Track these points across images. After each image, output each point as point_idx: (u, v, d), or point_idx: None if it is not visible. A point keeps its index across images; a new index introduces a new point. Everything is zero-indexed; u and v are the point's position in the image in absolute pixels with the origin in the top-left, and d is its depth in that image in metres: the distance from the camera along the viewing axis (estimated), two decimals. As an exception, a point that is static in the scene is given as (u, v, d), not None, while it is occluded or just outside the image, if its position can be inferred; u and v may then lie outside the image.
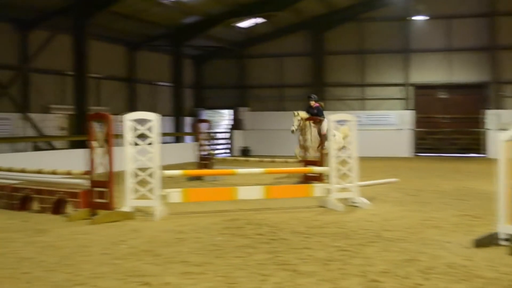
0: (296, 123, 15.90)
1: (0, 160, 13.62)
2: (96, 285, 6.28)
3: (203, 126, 17.47)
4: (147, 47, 28.24)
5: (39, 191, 11.22)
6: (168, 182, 10.93)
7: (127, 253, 7.69)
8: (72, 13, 20.73)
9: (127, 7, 21.64)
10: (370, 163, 21.15)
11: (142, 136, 10.53)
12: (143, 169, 10.42)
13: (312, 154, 15.58)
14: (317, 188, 11.49)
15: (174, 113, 28.57)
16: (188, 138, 28.54)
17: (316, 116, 16.29)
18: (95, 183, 10.32)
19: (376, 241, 8.27)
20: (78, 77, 21.07)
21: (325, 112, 16.52)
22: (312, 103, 16.69)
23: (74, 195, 10.54)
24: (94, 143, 10.29)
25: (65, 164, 13.36)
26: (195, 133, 18.00)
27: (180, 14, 24.98)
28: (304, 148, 15.64)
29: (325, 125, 16.02)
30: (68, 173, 11.14)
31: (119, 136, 10.62)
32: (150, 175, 10.39)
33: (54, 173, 11.58)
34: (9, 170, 12.19)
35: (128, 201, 10.36)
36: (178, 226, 9.61)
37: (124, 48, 27.19)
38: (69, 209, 10.66)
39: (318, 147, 15.81)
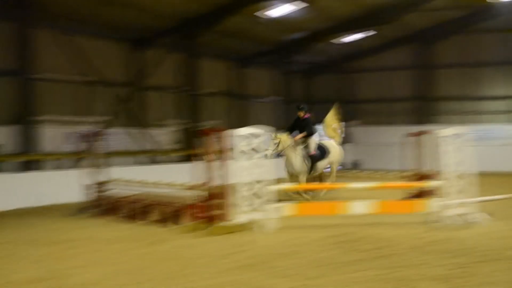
0: (272, 147, 14.21)
1: (117, 173, 14.11)
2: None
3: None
4: (254, 63, 28.71)
5: (156, 203, 11.67)
6: (278, 195, 11.05)
7: (243, 264, 7.83)
8: (182, 32, 21.65)
9: (235, 25, 22.11)
10: (482, 178, 20.37)
11: (253, 150, 10.74)
12: (255, 182, 10.60)
13: (301, 179, 14.70)
14: (431, 203, 11.24)
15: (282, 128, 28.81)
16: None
17: (304, 130, 14.99)
18: (210, 196, 10.57)
19: (497, 259, 7.96)
20: (189, 94, 21.94)
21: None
22: (301, 114, 15.20)
23: (190, 206, 10.86)
24: (209, 157, 10.58)
25: (178, 177, 13.71)
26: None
27: (286, 31, 25.19)
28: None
29: (313, 144, 15.05)
30: (184, 186, 11.49)
31: (231, 150, 10.85)
32: (262, 188, 10.55)
33: (170, 185, 12.01)
34: (140, 182, 12.67)
35: (241, 213, 10.56)
36: (291, 239, 9.68)
37: (232, 64, 27.77)
38: (185, 220, 10.97)
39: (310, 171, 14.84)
